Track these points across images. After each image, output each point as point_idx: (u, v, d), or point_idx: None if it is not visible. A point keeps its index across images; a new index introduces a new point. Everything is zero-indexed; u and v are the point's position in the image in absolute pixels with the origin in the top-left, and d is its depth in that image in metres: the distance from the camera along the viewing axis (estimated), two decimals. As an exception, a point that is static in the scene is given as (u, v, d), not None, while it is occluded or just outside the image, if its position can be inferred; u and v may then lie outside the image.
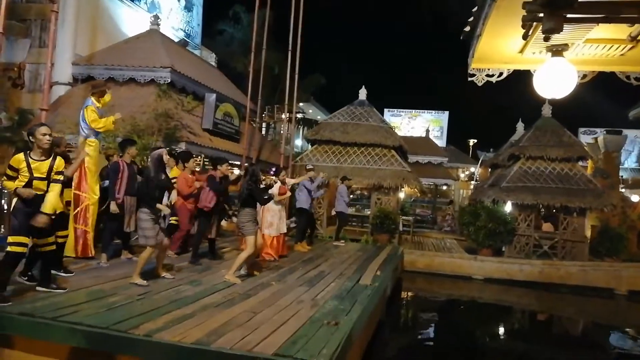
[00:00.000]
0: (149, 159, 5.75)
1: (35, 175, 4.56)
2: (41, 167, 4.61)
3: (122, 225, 6.62)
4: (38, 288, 4.89)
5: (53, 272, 5.22)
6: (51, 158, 4.70)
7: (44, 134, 4.59)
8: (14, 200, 4.60)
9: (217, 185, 7.28)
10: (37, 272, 5.08)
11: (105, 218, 6.73)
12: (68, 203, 5.97)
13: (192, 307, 4.77)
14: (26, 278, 5.13)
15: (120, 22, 16.62)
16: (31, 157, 4.58)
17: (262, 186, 6.77)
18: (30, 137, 4.61)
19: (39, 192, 4.57)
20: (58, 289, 4.92)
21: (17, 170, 4.54)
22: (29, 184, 4.54)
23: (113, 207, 6.36)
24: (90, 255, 6.58)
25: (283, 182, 8.57)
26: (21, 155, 4.57)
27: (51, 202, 4.61)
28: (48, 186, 4.66)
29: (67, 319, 4.06)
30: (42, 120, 7.63)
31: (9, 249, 4.44)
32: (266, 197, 6.75)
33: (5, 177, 4.56)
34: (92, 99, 6.68)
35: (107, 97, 6.90)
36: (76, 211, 6.43)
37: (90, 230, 6.60)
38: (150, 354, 3.82)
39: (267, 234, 8.18)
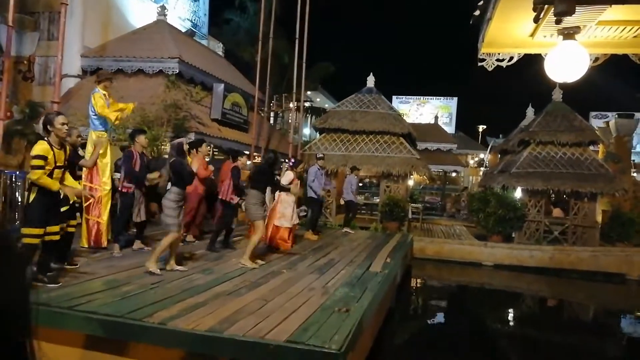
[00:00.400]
0: (170, 148, 5.80)
1: (57, 164, 4.61)
2: (60, 155, 4.66)
3: (131, 215, 6.70)
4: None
5: (56, 265, 5.21)
6: (65, 148, 4.78)
7: (63, 124, 4.63)
8: (33, 191, 4.59)
9: (238, 178, 7.39)
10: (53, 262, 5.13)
11: (116, 209, 6.81)
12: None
13: (204, 296, 4.83)
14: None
15: (127, 14, 16.63)
16: (54, 147, 4.61)
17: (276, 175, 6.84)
18: (48, 126, 4.60)
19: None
20: (51, 284, 4.70)
21: (46, 160, 4.51)
22: (50, 174, 4.56)
23: (153, 175, 6.43)
24: (103, 245, 6.67)
25: (299, 177, 8.61)
26: (47, 144, 4.55)
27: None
28: (63, 175, 4.72)
29: (82, 308, 4.13)
30: (54, 113, 7.69)
31: (24, 240, 4.48)
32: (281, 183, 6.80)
33: (35, 169, 4.48)
34: (99, 87, 6.74)
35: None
36: (88, 203, 6.50)
37: (103, 221, 6.68)
38: (165, 342, 3.88)
39: (278, 224, 8.22)
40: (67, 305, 4.17)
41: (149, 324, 3.92)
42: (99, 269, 5.60)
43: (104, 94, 6.69)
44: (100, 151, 6.55)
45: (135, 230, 7.14)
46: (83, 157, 6.30)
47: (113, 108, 6.64)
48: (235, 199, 7.40)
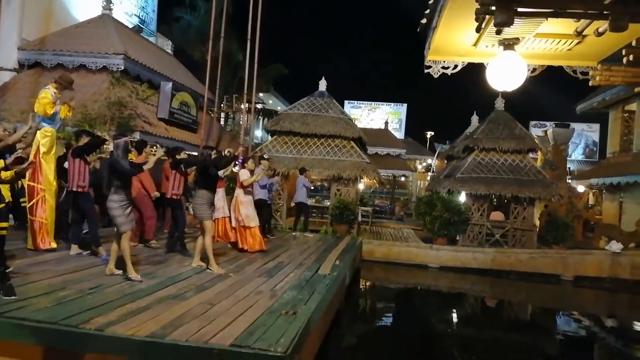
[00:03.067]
0: (113, 146, 5.56)
1: None
2: None
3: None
4: None
5: None
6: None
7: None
8: None
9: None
10: None
11: (63, 208, 6.61)
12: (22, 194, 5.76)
13: (146, 300, 4.66)
14: None
15: (70, 6, 15.88)
16: None
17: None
18: None
19: None
20: None
21: None
22: None
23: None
24: (50, 247, 6.38)
25: (252, 171, 8.50)
26: None
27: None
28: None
29: (13, 315, 3.88)
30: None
31: None
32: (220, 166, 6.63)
33: None
34: (51, 85, 6.46)
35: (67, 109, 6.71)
36: (32, 203, 6.18)
37: (48, 222, 6.36)
38: (103, 349, 3.71)
39: (248, 225, 8.14)
40: (-5, 312, 3.91)
41: (84, 330, 3.74)
42: (33, 274, 5.28)
43: (55, 96, 6.43)
44: (44, 149, 6.27)
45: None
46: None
47: (46, 107, 6.32)
48: (179, 194, 7.26)
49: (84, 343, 3.73)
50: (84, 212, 6.47)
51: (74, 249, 6.59)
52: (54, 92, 6.46)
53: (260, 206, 9.96)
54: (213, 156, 6.74)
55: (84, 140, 6.51)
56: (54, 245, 6.49)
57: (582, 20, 3.96)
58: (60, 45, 13.14)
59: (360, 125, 25.87)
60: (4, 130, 5.49)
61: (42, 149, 6.35)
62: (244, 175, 8.30)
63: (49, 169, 6.36)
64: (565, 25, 4.11)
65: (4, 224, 5.25)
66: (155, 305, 4.54)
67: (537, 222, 14.12)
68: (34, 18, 13.93)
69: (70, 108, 6.86)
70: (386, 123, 29.76)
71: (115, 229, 5.53)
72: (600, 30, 4.06)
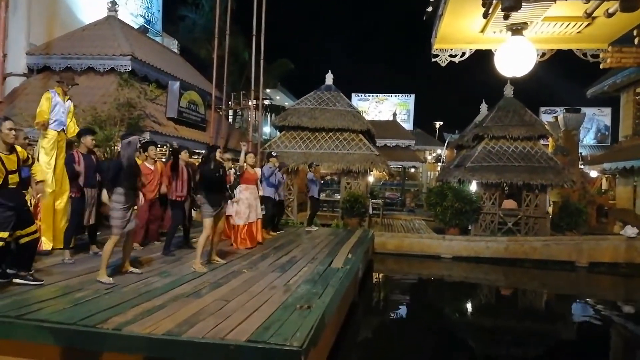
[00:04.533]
0: (121, 146, 5.57)
1: (9, 169, 4.58)
2: (10, 160, 4.62)
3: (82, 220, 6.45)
4: (16, 280, 4.84)
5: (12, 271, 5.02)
6: (14, 152, 4.74)
7: (10, 129, 4.60)
8: None
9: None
10: (8, 268, 4.97)
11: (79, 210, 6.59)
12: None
13: (162, 299, 4.71)
14: None
15: (76, 9, 15.95)
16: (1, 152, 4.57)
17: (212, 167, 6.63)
18: None
19: (13, 186, 4.61)
20: (35, 281, 4.90)
21: None
22: (5, 181, 4.54)
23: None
24: (45, 249, 6.39)
25: (253, 166, 8.51)
26: None
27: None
28: (20, 178, 4.72)
29: (32, 317, 3.94)
30: (-2, 113, 7.35)
31: None
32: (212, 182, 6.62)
33: None
34: (56, 88, 6.59)
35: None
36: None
37: (44, 224, 6.41)
38: (120, 348, 3.75)
39: (233, 223, 8.14)
40: (15, 314, 3.97)
41: (102, 330, 3.79)
42: (51, 276, 5.36)
43: (60, 98, 6.56)
44: (42, 150, 6.38)
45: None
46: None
47: (39, 115, 6.45)
48: (182, 196, 7.23)
49: (102, 342, 3.78)
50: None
51: (92, 249, 6.70)
52: (60, 97, 6.58)
53: (267, 202, 10.01)
54: (218, 155, 6.71)
55: (87, 139, 6.50)
56: (47, 247, 6.46)
57: (591, 2, 3.89)
58: (68, 49, 13.22)
59: (368, 117, 25.78)
60: (25, 139, 5.58)
61: (42, 151, 6.45)
62: (242, 156, 8.33)
63: (50, 171, 6.42)
64: (574, 7, 4.04)
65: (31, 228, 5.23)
66: (171, 303, 4.58)
67: (550, 209, 13.99)
68: (41, 22, 14.02)
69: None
70: (394, 114, 29.64)
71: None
72: (610, 11, 3.98)
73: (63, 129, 6.76)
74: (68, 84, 6.79)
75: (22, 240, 4.80)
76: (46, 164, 6.41)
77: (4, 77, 8.03)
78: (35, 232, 4.94)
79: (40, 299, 4.43)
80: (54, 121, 6.59)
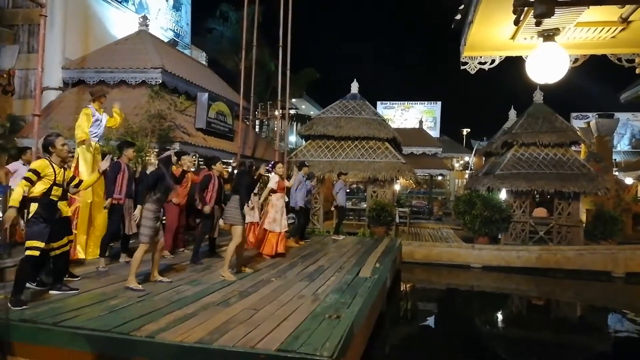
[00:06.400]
0: (159, 161, 5.73)
1: (57, 182, 4.77)
2: (60, 175, 4.83)
3: (123, 228, 6.61)
4: (51, 292, 4.98)
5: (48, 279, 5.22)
6: (66, 169, 5.00)
7: (63, 144, 4.85)
8: (33, 207, 4.64)
9: (204, 186, 7.25)
10: (45, 277, 5.17)
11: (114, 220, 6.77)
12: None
13: (192, 307, 4.77)
14: (35, 283, 5.12)
15: (108, 24, 16.49)
16: (54, 165, 4.78)
17: (251, 178, 6.71)
18: (50, 148, 4.79)
19: (54, 198, 4.78)
20: (71, 290, 5.05)
21: (39, 175, 4.65)
22: (49, 190, 4.70)
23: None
24: (78, 257, 6.57)
25: (282, 177, 8.56)
26: (46, 162, 4.75)
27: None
28: (63, 193, 4.90)
29: (68, 324, 4.05)
30: (35, 125, 7.63)
31: (27, 253, 4.57)
32: (249, 191, 6.71)
33: (23, 179, 4.64)
34: (93, 104, 6.88)
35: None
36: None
37: (80, 233, 6.59)
38: (154, 355, 3.81)
39: (268, 228, 8.18)
40: (52, 321, 4.09)
41: (136, 337, 3.85)
42: (86, 283, 5.50)
43: (98, 113, 6.91)
44: (81, 161, 6.60)
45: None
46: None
47: (78, 129, 6.77)
48: (207, 208, 7.21)
49: (136, 350, 3.85)
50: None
51: (124, 257, 6.84)
52: (97, 112, 6.85)
53: (297, 212, 10.06)
54: (263, 170, 6.85)
55: (129, 151, 6.71)
56: (81, 256, 6.66)
57: (627, 6, 3.78)
58: (101, 63, 13.64)
59: (394, 125, 25.68)
60: (68, 152, 5.78)
61: (82, 162, 6.68)
62: (273, 180, 8.38)
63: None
64: (608, 12, 3.93)
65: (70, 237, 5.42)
66: (202, 311, 4.63)
67: (584, 218, 13.59)
68: (76, 38, 14.53)
69: (119, 114, 7.33)
70: (420, 122, 29.44)
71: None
72: (646, 15, 3.88)
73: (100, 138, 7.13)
74: (100, 96, 7.02)
75: (54, 253, 4.96)
76: (86, 174, 6.63)
77: (41, 91, 8.33)
78: (66, 244, 5.10)
79: (76, 307, 4.54)
80: (93, 134, 6.86)
